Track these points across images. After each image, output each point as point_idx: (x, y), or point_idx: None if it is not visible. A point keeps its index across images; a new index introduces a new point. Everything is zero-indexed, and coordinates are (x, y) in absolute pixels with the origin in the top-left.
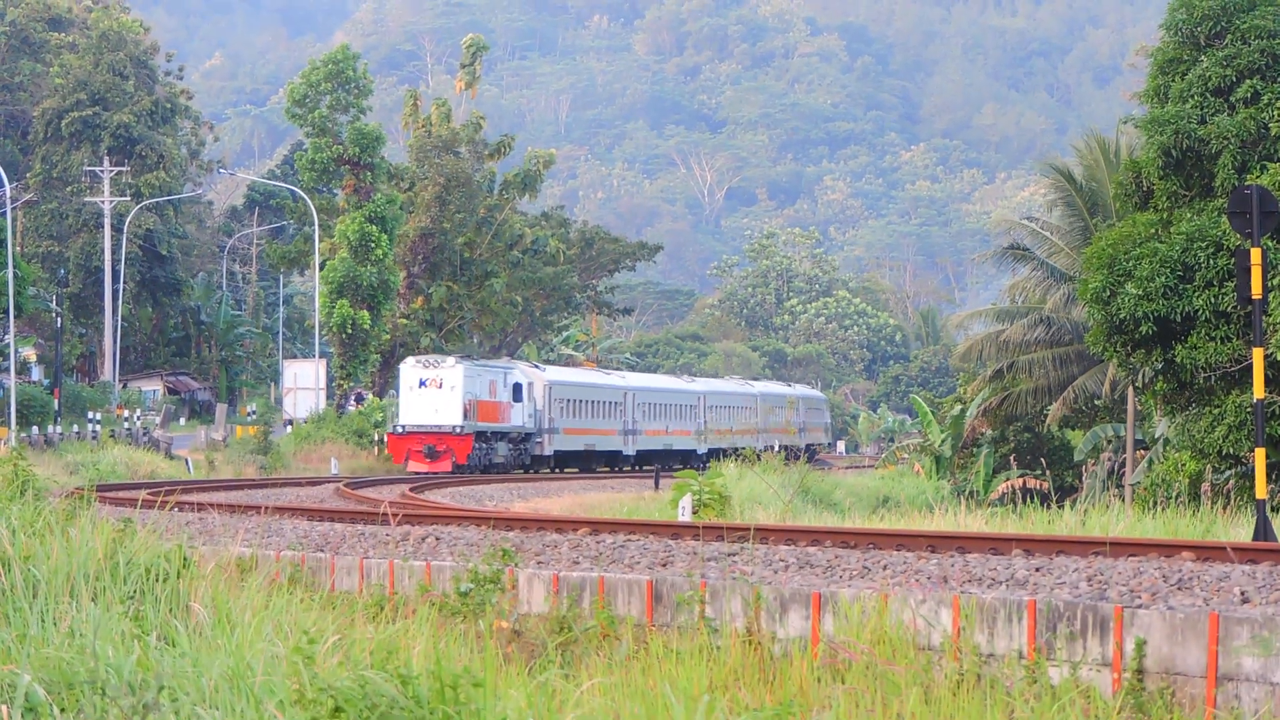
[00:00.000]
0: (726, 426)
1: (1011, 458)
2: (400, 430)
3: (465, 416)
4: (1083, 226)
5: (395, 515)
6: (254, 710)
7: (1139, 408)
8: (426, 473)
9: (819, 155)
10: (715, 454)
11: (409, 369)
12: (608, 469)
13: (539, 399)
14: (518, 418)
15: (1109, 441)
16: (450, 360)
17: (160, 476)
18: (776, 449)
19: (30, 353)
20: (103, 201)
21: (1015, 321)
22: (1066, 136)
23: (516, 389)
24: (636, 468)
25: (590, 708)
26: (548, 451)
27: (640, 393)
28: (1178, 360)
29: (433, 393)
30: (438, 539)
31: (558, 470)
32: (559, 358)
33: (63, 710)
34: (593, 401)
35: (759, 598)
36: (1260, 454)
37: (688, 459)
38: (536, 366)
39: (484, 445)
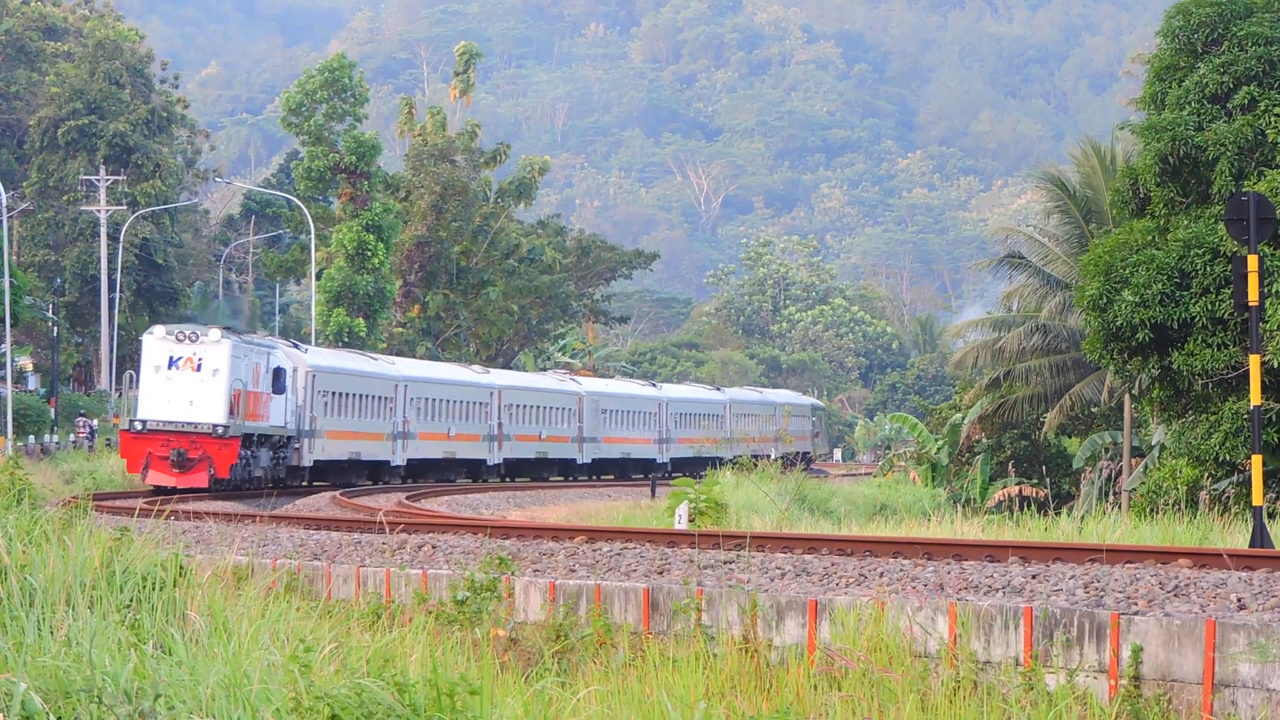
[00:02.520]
0: (691, 435)
1: (1010, 465)
2: (138, 428)
3: (231, 413)
4: (1079, 234)
5: (392, 524)
6: (251, 718)
7: (1135, 415)
8: (173, 489)
9: (815, 163)
10: (681, 465)
11: (155, 342)
12: (561, 478)
13: (300, 391)
14: (278, 415)
15: (1106, 449)
16: (214, 332)
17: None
18: (776, 457)
19: (26, 362)
20: (99, 210)
21: (1012, 329)
22: (1063, 143)
23: (278, 375)
24: (594, 477)
25: (587, 715)
26: (306, 461)
27: (509, 391)
28: (1175, 367)
29: (187, 377)
30: (434, 547)
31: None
32: (555, 365)
33: (59, 719)
34: (433, 400)
35: (755, 605)
36: (1257, 461)
37: (649, 468)
38: (297, 346)
39: (248, 452)
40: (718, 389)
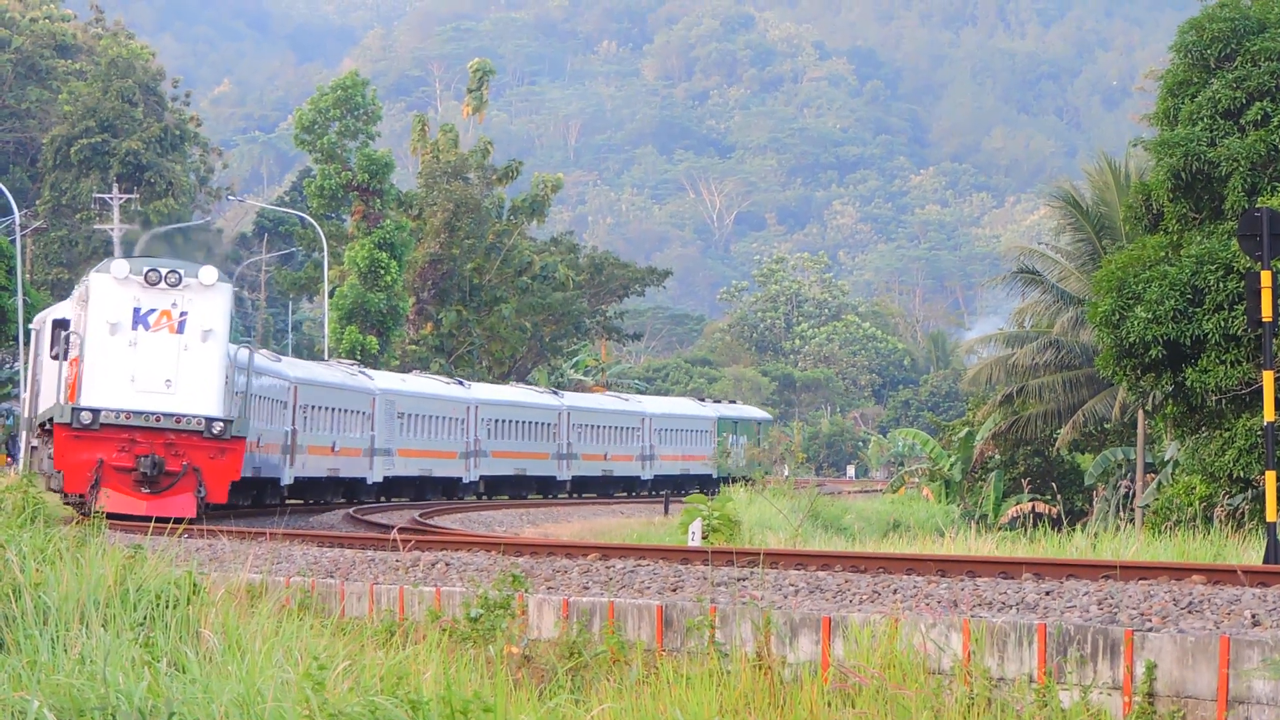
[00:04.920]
0: (600, 451)
1: (1025, 482)
2: (84, 420)
3: (228, 398)
4: (1092, 250)
5: (405, 541)
6: None
7: (1149, 431)
8: (140, 518)
9: (828, 180)
10: (582, 483)
11: (111, 286)
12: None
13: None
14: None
15: (1119, 465)
16: (206, 272)
17: None
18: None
19: None
20: (112, 229)
21: (1024, 345)
22: (1076, 159)
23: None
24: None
25: None
26: (286, 479)
27: (399, 398)
28: (1188, 384)
29: (162, 341)
30: (447, 564)
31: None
32: (569, 383)
33: None
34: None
35: (769, 622)
36: (1271, 477)
37: (547, 486)
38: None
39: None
40: (634, 398)
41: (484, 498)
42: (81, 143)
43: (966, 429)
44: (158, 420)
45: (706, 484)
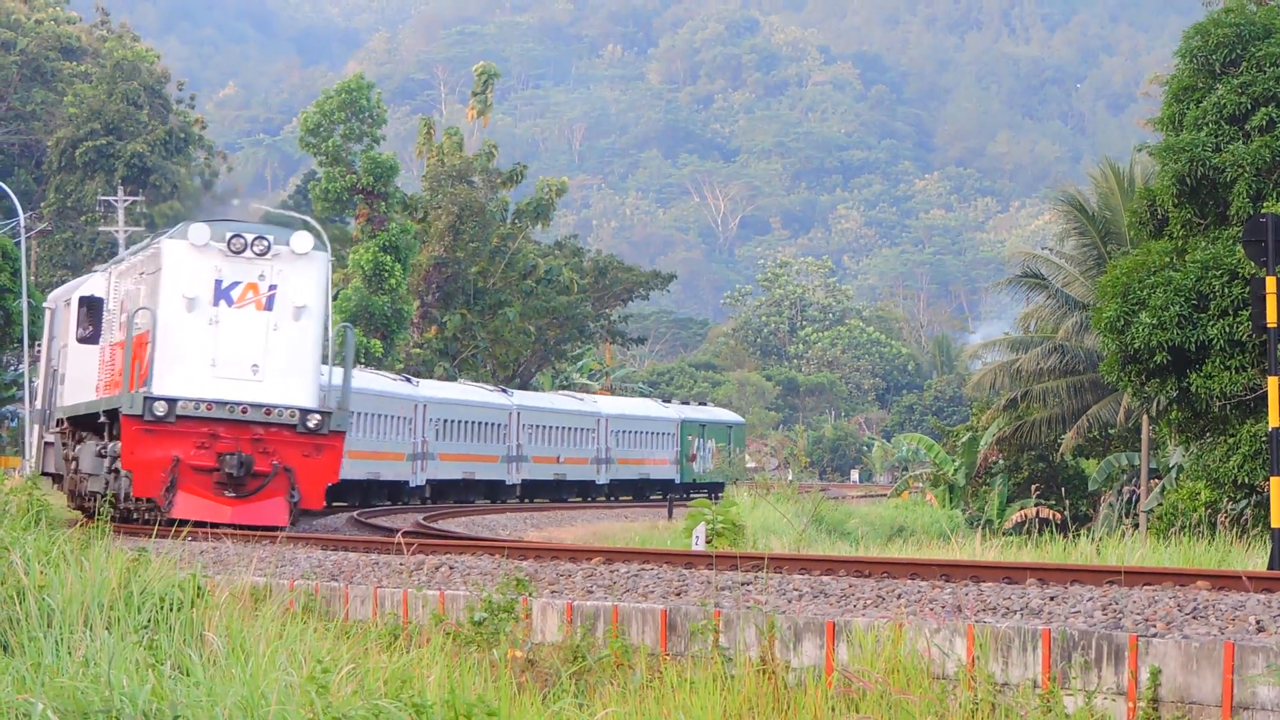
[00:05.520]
0: (552, 454)
1: (1033, 488)
2: (158, 412)
3: (325, 387)
4: (1097, 255)
5: (409, 544)
6: None
7: (1153, 436)
8: (226, 527)
9: (833, 184)
10: (532, 488)
11: (187, 255)
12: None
13: None
14: None
15: (1123, 470)
16: (301, 239)
17: None
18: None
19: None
20: (117, 231)
21: (1029, 350)
22: (1081, 164)
23: None
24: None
25: None
26: None
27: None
28: (1192, 389)
29: (248, 320)
30: (451, 568)
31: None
32: (574, 386)
33: None
34: None
35: (773, 627)
36: (1276, 483)
37: (495, 490)
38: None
39: None
40: (589, 398)
41: (428, 501)
42: (86, 145)
43: (970, 434)
44: (244, 412)
45: (668, 489)
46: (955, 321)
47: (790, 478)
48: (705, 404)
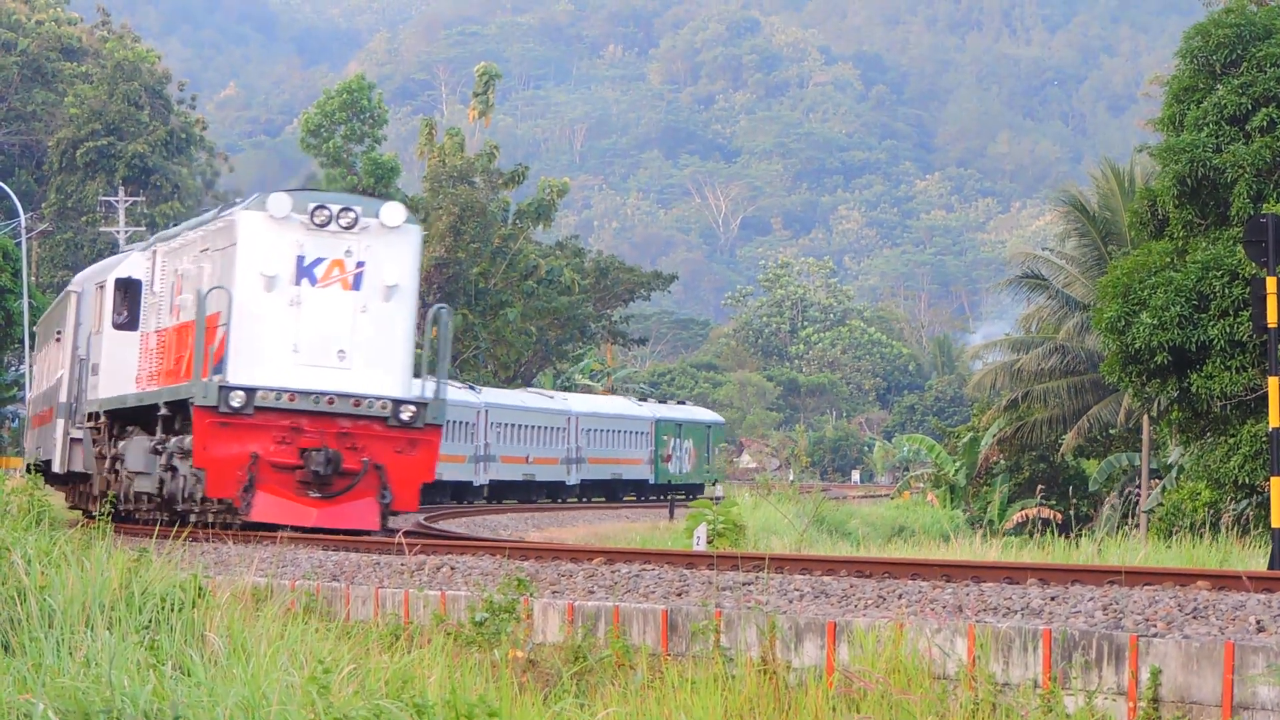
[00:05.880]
0: (521, 453)
1: (1035, 488)
2: (235, 404)
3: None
4: (1097, 255)
5: (410, 545)
6: None
7: (1154, 437)
8: (311, 531)
9: (833, 184)
10: (501, 488)
11: (265, 227)
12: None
13: None
14: None
15: (1124, 471)
16: (391, 210)
17: None
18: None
19: None
20: (118, 232)
21: (1030, 351)
22: (1081, 165)
23: None
24: None
25: None
26: None
27: None
28: (1193, 390)
29: (333, 300)
30: (453, 568)
31: None
32: (576, 387)
33: None
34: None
35: (774, 627)
36: (1276, 483)
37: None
38: None
39: None
40: (559, 395)
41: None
42: (87, 145)
43: (971, 434)
44: (330, 403)
45: (642, 490)
46: (956, 322)
47: (791, 478)
48: (684, 403)
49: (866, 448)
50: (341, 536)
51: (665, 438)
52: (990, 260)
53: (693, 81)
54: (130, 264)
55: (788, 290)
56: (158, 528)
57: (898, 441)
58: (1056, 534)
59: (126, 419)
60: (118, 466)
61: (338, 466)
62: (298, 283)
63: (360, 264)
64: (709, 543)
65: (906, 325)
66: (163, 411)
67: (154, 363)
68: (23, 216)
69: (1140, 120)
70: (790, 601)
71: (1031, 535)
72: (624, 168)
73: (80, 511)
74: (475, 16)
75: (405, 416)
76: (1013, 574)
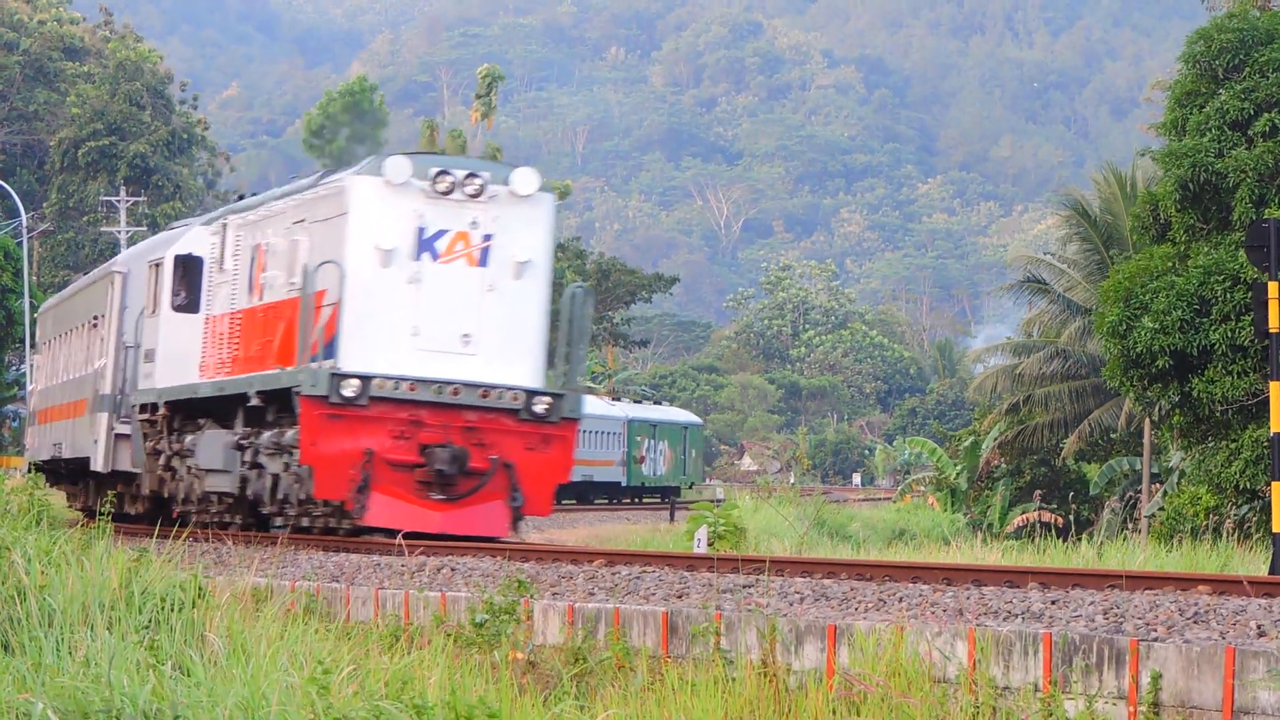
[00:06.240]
0: None
1: (1035, 493)
2: (343, 394)
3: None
4: (1099, 260)
5: (410, 546)
6: None
7: (1155, 441)
8: (431, 537)
9: (836, 188)
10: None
11: (377, 193)
12: None
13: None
14: None
15: (1125, 475)
16: (522, 178)
17: None
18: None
19: None
20: (119, 231)
21: (1031, 355)
22: (1084, 169)
23: None
24: None
25: None
26: None
27: None
28: (1194, 394)
29: (457, 278)
30: (453, 570)
31: None
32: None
33: None
34: None
35: (774, 630)
36: (1277, 488)
37: None
38: None
39: None
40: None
41: None
42: (89, 145)
43: (972, 438)
44: (454, 393)
45: (614, 493)
46: (957, 325)
47: (792, 481)
48: (661, 403)
49: (868, 451)
50: (339, 539)
51: (639, 439)
52: (992, 264)
53: (695, 84)
54: (191, 240)
55: (789, 293)
56: (234, 534)
57: (899, 445)
58: (1057, 538)
59: (190, 411)
60: (173, 463)
61: (463, 465)
62: (418, 258)
63: (487, 237)
64: (709, 545)
65: (908, 328)
66: (253, 402)
67: (226, 348)
68: (24, 216)
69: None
70: (791, 604)
71: (1032, 539)
72: (626, 170)
73: (81, 513)
74: (478, 18)
75: (539, 409)
76: (1013, 578)
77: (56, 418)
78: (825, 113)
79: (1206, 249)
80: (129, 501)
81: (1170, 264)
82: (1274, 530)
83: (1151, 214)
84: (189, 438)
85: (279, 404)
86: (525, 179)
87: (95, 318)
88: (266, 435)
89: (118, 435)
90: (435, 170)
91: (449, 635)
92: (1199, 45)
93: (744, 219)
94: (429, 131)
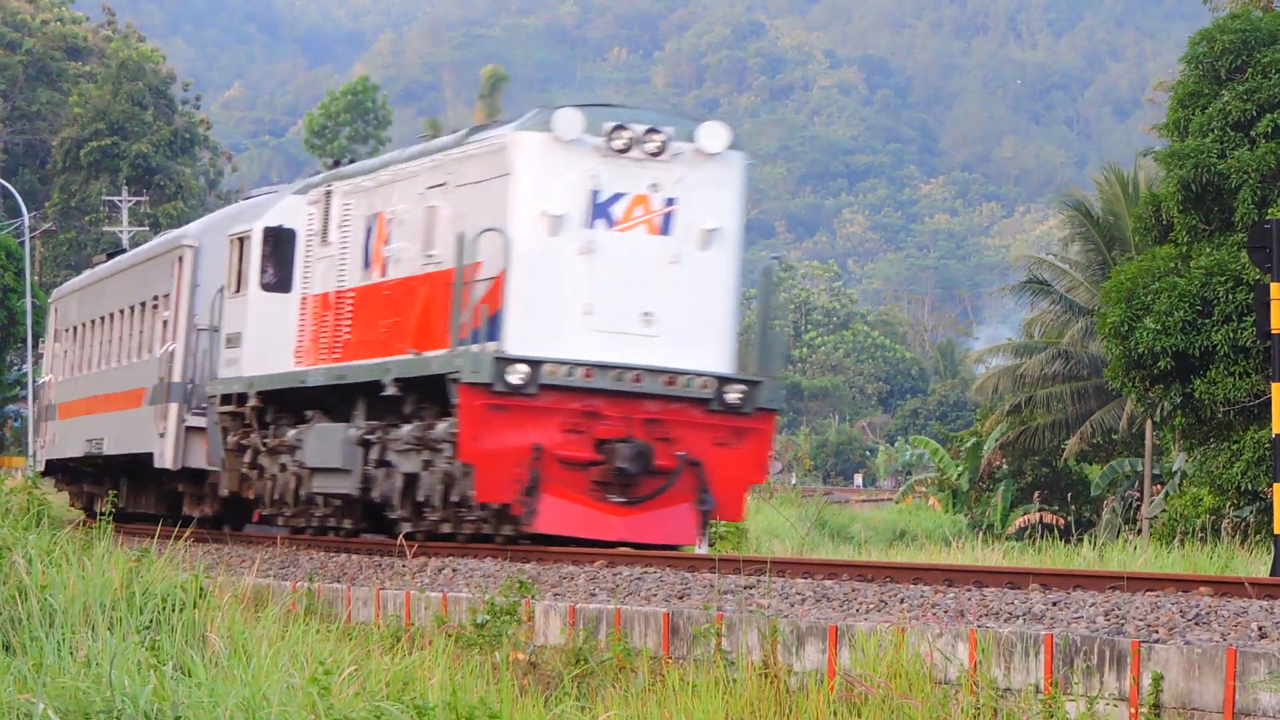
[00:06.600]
0: None
1: (1036, 494)
2: (509, 381)
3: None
4: (1101, 260)
5: (411, 546)
6: None
7: (1156, 442)
8: (612, 545)
9: (838, 188)
10: None
11: (549, 150)
12: None
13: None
14: None
15: (1126, 476)
16: (710, 133)
17: None
18: None
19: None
20: (121, 231)
21: (1033, 356)
22: (1086, 170)
23: None
24: None
25: None
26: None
27: None
28: (1196, 395)
29: (637, 247)
30: (454, 570)
31: None
32: None
33: None
34: None
35: (775, 631)
36: (1279, 489)
37: None
38: None
39: None
40: None
41: None
42: (91, 145)
43: (974, 439)
44: (636, 380)
45: None
46: (959, 326)
47: (794, 482)
48: None
49: (869, 452)
50: (340, 539)
51: None
52: (994, 265)
53: (697, 84)
54: (283, 210)
55: (791, 293)
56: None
57: (900, 446)
58: (1059, 539)
59: (285, 403)
60: (261, 461)
61: (647, 463)
62: (591, 225)
63: (670, 201)
64: (711, 546)
65: (910, 329)
66: (389, 391)
67: (333, 331)
68: (26, 216)
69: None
70: (792, 605)
71: (1034, 540)
72: None
73: (111, 519)
74: (480, 19)
75: (732, 399)
76: (1015, 579)
77: (91, 410)
78: (827, 113)
79: (1208, 250)
80: (190, 503)
81: (1172, 265)
82: (1275, 531)
83: (1154, 215)
84: (290, 432)
85: (418, 394)
86: (713, 134)
87: (155, 298)
88: (406, 430)
89: (190, 429)
90: (611, 124)
91: (450, 636)
92: (1201, 46)
93: (747, 219)
94: (431, 131)
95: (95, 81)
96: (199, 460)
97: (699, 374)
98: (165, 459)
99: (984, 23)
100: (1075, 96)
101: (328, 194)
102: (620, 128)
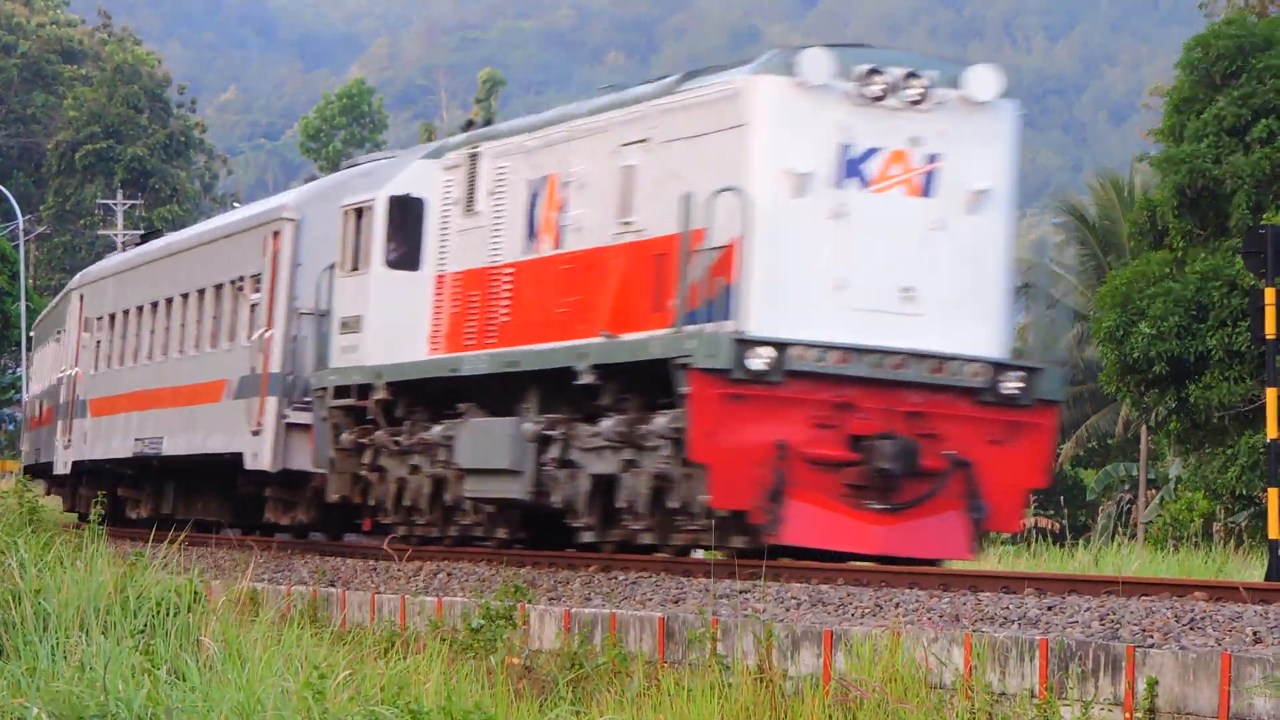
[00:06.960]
0: None
1: (1032, 499)
2: (749, 366)
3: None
4: (1096, 265)
5: (401, 550)
6: None
7: (1152, 447)
8: (873, 559)
9: None
10: None
11: (791, 95)
12: None
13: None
14: None
15: (1121, 481)
16: (983, 76)
17: None
18: None
19: None
20: (116, 234)
21: None
22: (1081, 174)
23: None
24: None
25: None
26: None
27: None
28: (1191, 400)
29: (895, 211)
30: (449, 574)
31: None
32: None
33: None
34: None
35: (770, 635)
36: (1274, 494)
37: None
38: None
39: None
40: None
41: None
42: (86, 148)
43: None
44: (898, 366)
45: None
46: None
47: None
48: None
49: None
50: (335, 543)
51: None
52: None
53: None
54: (411, 177)
55: None
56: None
57: None
58: (1053, 544)
59: (417, 395)
60: (383, 461)
61: (913, 463)
62: (841, 185)
63: (933, 158)
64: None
65: None
66: (586, 379)
67: (484, 313)
68: (21, 219)
69: (1141, 130)
70: (787, 609)
71: (1029, 545)
72: None
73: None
74: (477, 22)
75: (1009, 389)
76: (1010, 583)
77: (142, 405)
78: None
79: (1203, 255)
80: (277, 509)
81: (1167, 270)
82: (1270, 536)
83: (1149, 220)
84: (436, 429)
85: (617, 383)
86: (984, 80)
87: (239, 279)
88: (605, 424)
89: (290, 425)
90: (865, 67)
91: (445, 640)
92: (1197, 52)
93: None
94: (427, 135)
95: (90, 84)
96: (301, 461)
97: (970, 359)
98: (262, 460)
99: (980, 28)
100: (1071, 101)
101: (473, 156)
102: (875, 71)
